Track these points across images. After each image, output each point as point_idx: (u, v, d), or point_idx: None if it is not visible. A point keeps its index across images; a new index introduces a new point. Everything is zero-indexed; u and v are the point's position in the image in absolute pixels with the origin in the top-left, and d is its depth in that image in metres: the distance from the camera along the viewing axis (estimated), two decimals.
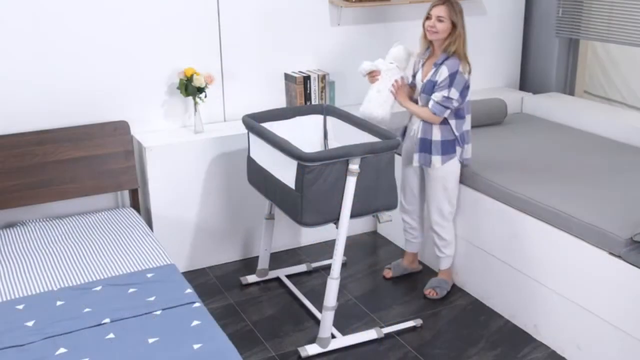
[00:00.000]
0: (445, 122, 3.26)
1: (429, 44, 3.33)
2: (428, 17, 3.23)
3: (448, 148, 3.29)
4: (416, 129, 3.35)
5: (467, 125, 3.33)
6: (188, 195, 3.68)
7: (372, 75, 3.39)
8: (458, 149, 3.31)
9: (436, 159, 3.30)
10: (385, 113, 3.35)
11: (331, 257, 3.08)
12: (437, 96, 3.20)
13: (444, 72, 3.19)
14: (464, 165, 3.39)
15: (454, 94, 3.17)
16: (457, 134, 3.28)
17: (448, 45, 3.21)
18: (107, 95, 3.61)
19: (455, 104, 3.20)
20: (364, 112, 3.39)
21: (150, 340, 2.34)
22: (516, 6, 4.73)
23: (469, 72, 3.24)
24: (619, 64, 5.36)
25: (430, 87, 3.25)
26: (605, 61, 5.44)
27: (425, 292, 3.53)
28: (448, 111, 3.21)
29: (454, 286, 3.62)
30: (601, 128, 4.01)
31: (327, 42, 4.14)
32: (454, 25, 3.20)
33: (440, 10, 3.19)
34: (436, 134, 3.28)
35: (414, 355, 3.04)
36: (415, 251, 3.70)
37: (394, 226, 4.00)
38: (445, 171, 3.32)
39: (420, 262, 3.79)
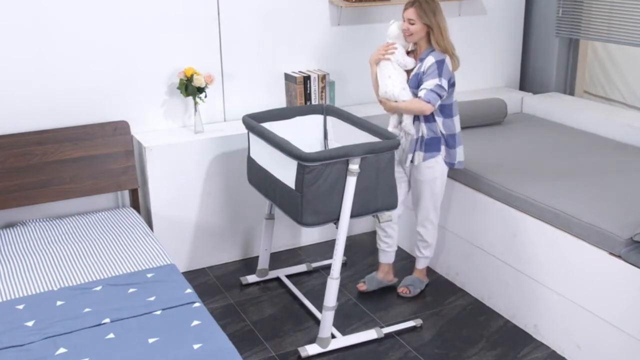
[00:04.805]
0: (431, 119, 3.21)
1: (414, 44, 3.27)
2: (404, 20, 3.20)
3: (432, 146, 3.24)
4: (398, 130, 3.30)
5: (457, 126, 3.27)
6: (188, 195, 3.68)
7: (388, 47, 3.23)
8: (443, 148, 3.26)
9: (418, 155, 3.26)
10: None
11: (331, 257, 3.08)
12: (428, 84, 3.11)
13: (429, 60, 3.14)
14: (455, 168, 3.34)
15: (444, 83, 3.12)
16: (444, 132, 3.23)
17: (433, 44, 3.17)
18: (107, 95, 3.61)
19: (444, 94, 3.14)
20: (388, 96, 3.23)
21: (150, 340, 2.34)
22: (516, 6, 4.73)
23: (455, 68, 3.20)
24: (619, 64, 5.36)
25: (416, 81, 3.20)
26: (605, 61, 5.45)
27: (399, 290, 3.52)
28: (439, 100, 3.13)
29: (454, 286, 3.62)
30: (601, 128, 4.01)
31: (327, 42, 4.14)
32: (428, 26, 3.14)
33: (410, 13, 3.15)
34: (422, 131, 3.24)
35: (414, 355, 3.04)
36: (390, 262, 3.55)
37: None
38: (433, 175, 3.29)
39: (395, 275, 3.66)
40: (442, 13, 3.17)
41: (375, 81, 3.30)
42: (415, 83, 3.20)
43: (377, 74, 3.28)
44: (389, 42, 3.26)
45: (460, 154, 3.31)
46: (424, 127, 3.23)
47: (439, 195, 3.37)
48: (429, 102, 3.10)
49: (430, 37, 3.17)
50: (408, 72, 3.26)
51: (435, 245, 3.55)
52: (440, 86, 3.11)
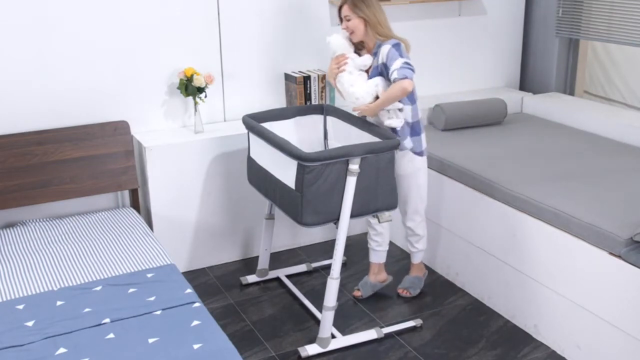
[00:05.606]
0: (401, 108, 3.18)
1: (361, 43, 3.25)
2: (341, 21, 3.20)
3: (402, 136, 3.21)
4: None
5: (419, 112, 3.23)
6: (188, 195, 3.68)
7: (340, 60, 3.23)
8: (408, 138, 3.21)
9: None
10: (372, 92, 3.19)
11: (331, 257, 3.08)
12: (396, 65, 3.05)
13: (385, 49, 3.11)
14: (421, 155, 3.28)
15: (408, 60, 3.07)
16: (411, 121, 3.20)
17: (373, 36, 3.15)
18: (107, 95, 3.61)
19: (414, 69, 3.07)
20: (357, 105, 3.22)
21: (150, 340, 2.34)
22: (516, 6, 4.73)
23: (408, 51, 3.15)
24: (619, 64, 5.36)
25: (376, 73, 3.16)
26: (605, 61, 5.45)
27: (399, 291, 3.52)
28: (414, 74, 3.05)
29: (454, 286, 3.62)
30: (601, 128, 4.01)
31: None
32: (364, 19, 3.12)
33: (345, 10, 3.16)
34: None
35: (414, 355, 3.04)
36: (381, 261, 3.49)
37: (393, 226, 4.00)
38: (415, 167, 3.26)
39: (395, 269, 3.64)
40: (377, 4, 3.16)
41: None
42: (377, 74, 3.17)
43: (339, 89, 3.27)
44: (337, 54, 3.25)
45: (424, 140, 3.27)
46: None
47: (424, 186, 3.35)
48: (406, 77, 3.02)
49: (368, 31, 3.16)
50: (367, 71, 3.24)
51: (427, 237, 3.50)
52: (408, 62, 3.06)
